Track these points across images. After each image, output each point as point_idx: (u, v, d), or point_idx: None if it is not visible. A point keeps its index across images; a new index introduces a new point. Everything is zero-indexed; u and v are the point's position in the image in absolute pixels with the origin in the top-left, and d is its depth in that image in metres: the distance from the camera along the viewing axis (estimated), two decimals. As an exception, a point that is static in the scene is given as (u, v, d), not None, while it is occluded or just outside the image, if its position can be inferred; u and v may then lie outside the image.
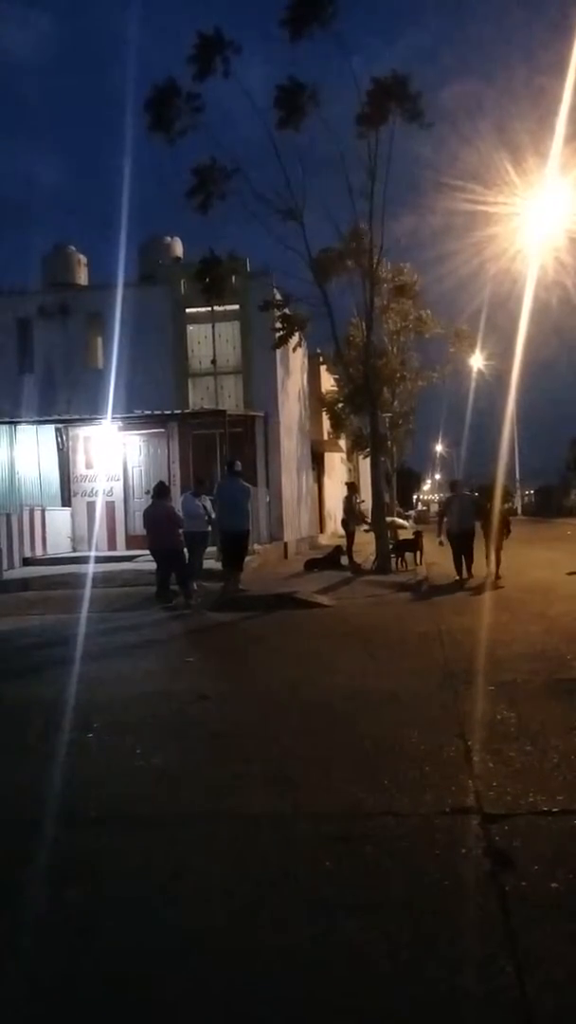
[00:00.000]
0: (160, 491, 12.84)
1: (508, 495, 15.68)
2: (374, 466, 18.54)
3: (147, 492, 16.07)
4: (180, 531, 12.28)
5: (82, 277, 23.98)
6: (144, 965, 2.66)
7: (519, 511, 54.54)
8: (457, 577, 13.61)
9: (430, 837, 3.54)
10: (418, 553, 16.57)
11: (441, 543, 14.45)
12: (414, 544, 16.84)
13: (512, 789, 4.02)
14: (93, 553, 16.21)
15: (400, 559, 16.44)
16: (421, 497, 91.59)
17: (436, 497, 67.53)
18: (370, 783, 4.19)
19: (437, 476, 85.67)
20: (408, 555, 16.63)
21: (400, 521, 29.42)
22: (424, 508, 68.33)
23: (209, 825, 3.82)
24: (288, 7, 15.12)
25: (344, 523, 17.89)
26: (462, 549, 13.87)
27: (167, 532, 12.01)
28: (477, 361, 28.01)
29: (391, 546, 16.83)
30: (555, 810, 3.73)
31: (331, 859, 3.37)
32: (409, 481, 75.57)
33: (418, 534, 18.14)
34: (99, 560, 15.51)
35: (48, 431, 20.29)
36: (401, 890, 3.09)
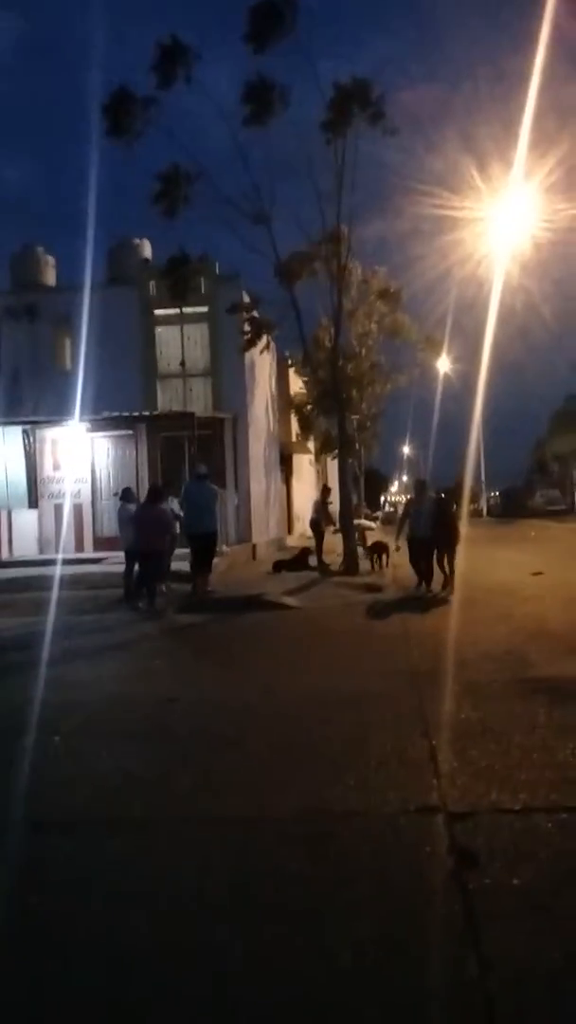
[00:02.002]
0: (152, 495, 12.79)
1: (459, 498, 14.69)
2: (342, 468, 18.61)
3: (115, 494, 15.96)
4: (169, 535, 12.28)
5: (50, 278, 23.77)
6: (111, 970, 2.68)
7: (484, 512, 55.11)
8: (418, 583, 12.82)
9: (395, 836, 3.59)
10: (384, 556, 16.61)
11: (398, 548, 14.18)
12: (387, 546, 16.90)
13: (476, 788, 4.08)
14: (60, 556, 16.09)
15: (377, 560, 16.43)
16: (389, 499, 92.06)
17: (403, 499, 67.96)
18: (336, 784, 4.23)
19: (404, 478, 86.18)
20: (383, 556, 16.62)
21: (367, 523, 29.54)
22: (391, 510, 68.70)
23: (176, 828, 3.83)
24: (249, 23, 15.20)
25: (314, 524, 17.92)
26: (423, 556, 12.88)
27: (157, 535, 11.99)
28: (444, 365, 28.28)
29: (369, 548, 16.94)
30: (517, 808, 3.80)
31: (296, 860, 3.40)
32: (377, 483, 75.92)
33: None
34: (67, 563, 15.39)
35: (15, 432, 20.09)
36: (366, 890, 3.13)
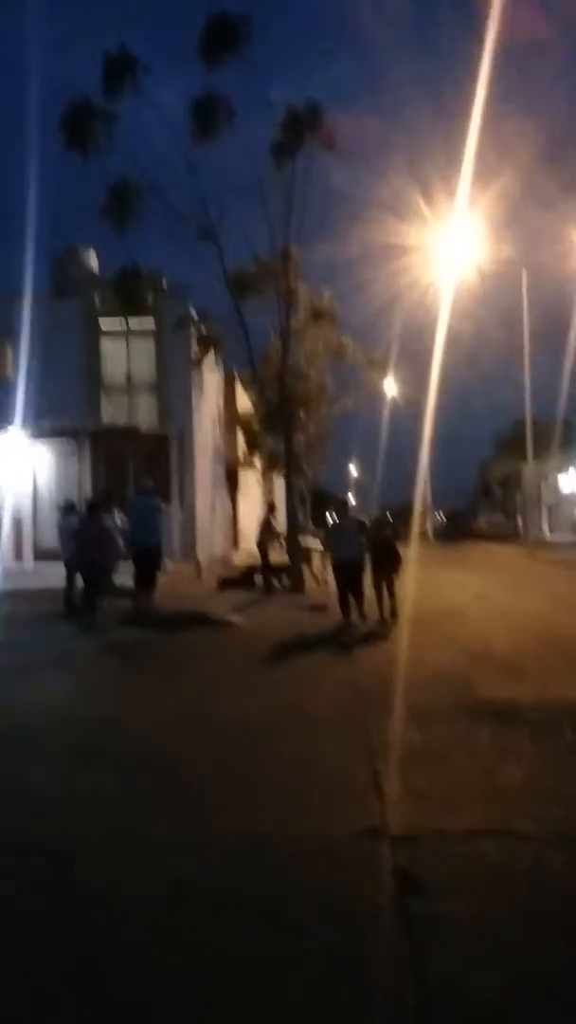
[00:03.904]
0: (93, 507, 12.53)
1: (386, 522, 12.72)
2: (288, 487, 18.57)
3: (59, 507, 15.60)
4: (112, 548, 12.01)
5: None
6: (47, 994, 2.53)
7: (430, 534, 55.67)
8: (344, 614, 11.01)
9: (337, 861, 3.51)
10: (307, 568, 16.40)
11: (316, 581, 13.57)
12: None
13: (419, 811, 4.02)
14: (1, 568, 15.65)
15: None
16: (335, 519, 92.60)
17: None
18: (279, 807, 4.13)
19: (352, 498, 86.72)
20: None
21: (313, 542, 29.53)
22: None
23: (115, 850, 3.68)
24: (199, 39, 15.33)
25: (260, 543, 17.81)
26: (348, 583, 11.16)
27: (99, 548, 11.72)
28: (391, 388, 28.61)
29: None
30: (459, 831, 3.75)
31: (237, 884, 3.29)
32: (324, 502, 76.21)
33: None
34: (5, 575, 14.98)
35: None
36: (307, 915, 3.03)
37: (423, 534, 56.56)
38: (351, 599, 11.02)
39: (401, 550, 11.70)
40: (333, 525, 13.85)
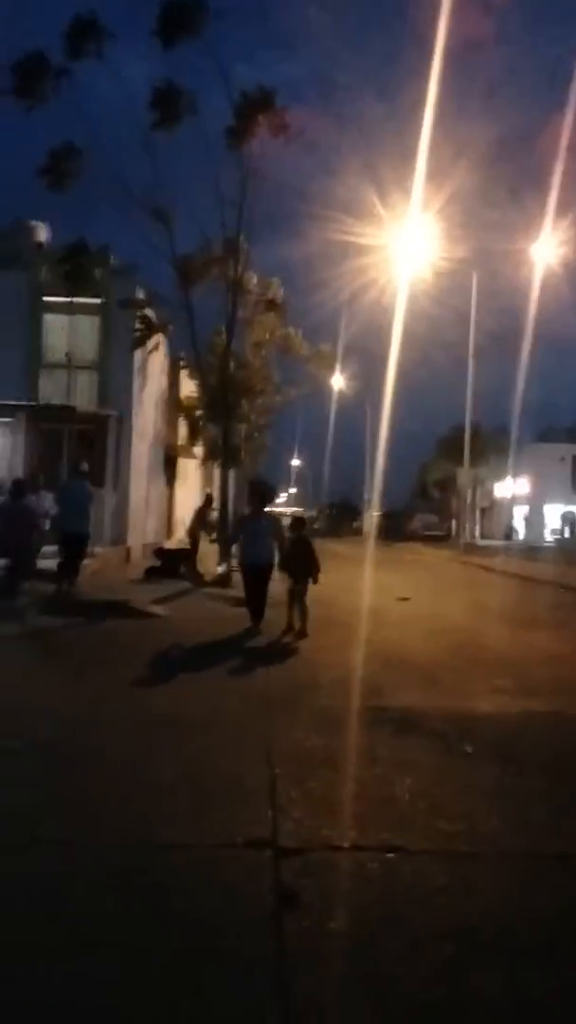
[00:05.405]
0: (18, 488, 12.23)
1: (301, 521, 11.90)
2: (223, 477, 18.48)
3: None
4: (35, 531, 11.75)
5: None
6: None
7: (363, 532, 56.14)
8: (254, 622, 10.08)
9: (218, 871, 3.47)
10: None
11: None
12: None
13: (309, 822, 4.02)
14: None
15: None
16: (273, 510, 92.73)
17: (287, 511, 68.41)
18: (168, 812, 4.08)
19: (292, 490, 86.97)
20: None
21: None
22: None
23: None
24: (157, 18, 15.21)
25: (191, 532, 17.64)
26: (256, 588, 10.19)
27: (21, 530, 11.45)
28: (338, 382, 28.67)
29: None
30: (346, 845, 3.76)
31: (107, 894, 3.24)
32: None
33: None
34: None
35: None
36: (175, 928, 3.00)
37: (356, 531, 57.12)
38: (255, 604, 10.12)
39: (317, 553, 10.64)
40: (244, 517, 12.20)
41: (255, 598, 10.21)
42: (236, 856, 3.61)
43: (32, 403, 19.18)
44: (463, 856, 3.75)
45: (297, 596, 10.15)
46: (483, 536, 51.13)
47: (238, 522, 13.14)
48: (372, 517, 52.65)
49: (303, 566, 10.24)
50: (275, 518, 11.07)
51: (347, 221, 20.99)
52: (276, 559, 10.21)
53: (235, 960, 2.80)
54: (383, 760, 5.05)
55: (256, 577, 10.21)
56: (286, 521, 11.70)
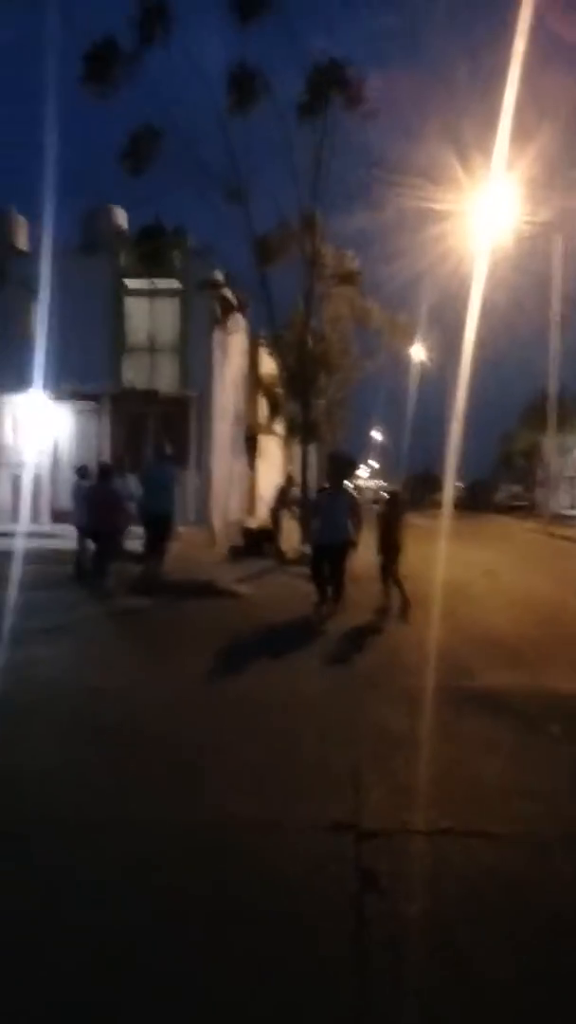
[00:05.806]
0: (104, 472, 12.60)
1: (395, 495, 11.66)
2: (304, 453, 18.53)
3: (75, 469, 15.64)
4: (121, 514, 12.10)
5: (22, 242, 23.21)
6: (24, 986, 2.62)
7: (449, 505, 55.27)
8: (319, 603, 9.66)
9: (302, 853, 3.55)
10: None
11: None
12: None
13: (391, 804, 4.06)
14: (18, 528, 15.82)
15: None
16: (356, 484, 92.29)
17: (373, 484, 67.86)
18: (254, 792, 4.18)
19: (374, 463, 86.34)
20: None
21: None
22: (357, 495, 68.64)
23: (83, 834, 3.75)
24: None
25: (273, 511, 17.78)
26: (326, 570, 9.72)
27: (108, 513, 11.81)
28: (419, 353, 28.23)
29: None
30: (428, 828, 3.79)
31: (196, 871, 3.36)
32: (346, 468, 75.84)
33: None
34: (20, 535, 15.14)
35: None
36: (260, 907, 3.09)
37: (442, 505, 56.25)
38: (326, 584, 9.69)
39: (405, 530, 10.52)
40: (318, 494, 11.70)
41: (327, 578, 9.70)
42: (320, 838, 3.68)
43: (116, 389, 19.60)
44: (546, 840, 3.73)
45: (390, 574, 10.11)
46: (572, 507, 49.69)
47: (315, 498, 12.72)
48: (454, 488, 51.85)
49: (392, 543, 10.19)
50: (352, 496, 10.75)
51: (426, 187, 20.48)
52: (352, 537, 9.77)
53: (317, 940, 2.89)
54: (467, 742, 5.05)
55: (327, 559, 9.72)
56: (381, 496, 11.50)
